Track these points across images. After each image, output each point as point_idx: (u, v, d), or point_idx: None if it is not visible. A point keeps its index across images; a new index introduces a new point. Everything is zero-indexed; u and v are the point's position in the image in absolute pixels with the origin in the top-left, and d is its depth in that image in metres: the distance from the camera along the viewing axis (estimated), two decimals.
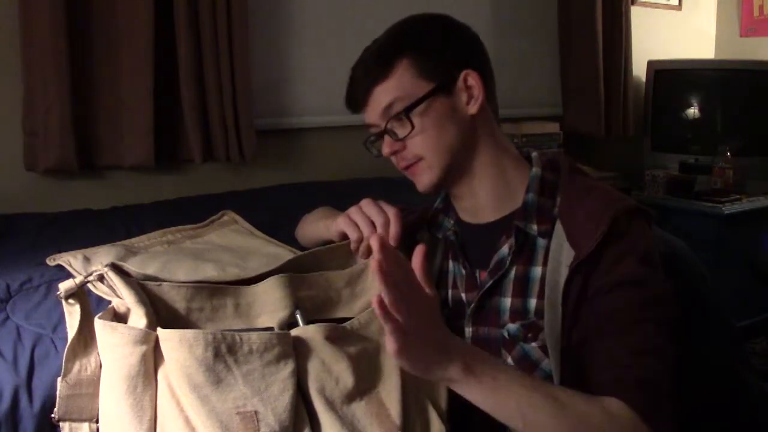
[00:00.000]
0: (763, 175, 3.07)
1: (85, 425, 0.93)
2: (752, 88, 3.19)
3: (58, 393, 0.92)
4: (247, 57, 2.13)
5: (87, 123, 1.96)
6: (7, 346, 0.99)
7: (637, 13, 3.26)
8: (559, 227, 1.08)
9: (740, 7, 3.62)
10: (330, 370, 0.96)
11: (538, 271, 1.08)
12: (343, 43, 2.51)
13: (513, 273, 1.10)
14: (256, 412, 0.89)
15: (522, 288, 1.09)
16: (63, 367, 0.93)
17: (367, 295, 1.10)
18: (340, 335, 1.00)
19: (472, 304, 1.12)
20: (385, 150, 1.13)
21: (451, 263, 1.19)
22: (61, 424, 0.92)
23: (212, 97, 2.09)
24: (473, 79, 1.10)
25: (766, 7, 3.53)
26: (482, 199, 1.14)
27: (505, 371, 0.90)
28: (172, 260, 1.19)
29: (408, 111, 1.08)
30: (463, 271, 1.16)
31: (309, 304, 1.05)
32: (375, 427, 0.95)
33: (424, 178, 1.12)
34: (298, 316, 1.02)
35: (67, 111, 1.87)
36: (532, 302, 1.08)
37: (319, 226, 1.28)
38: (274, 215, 1.64)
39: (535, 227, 1.08)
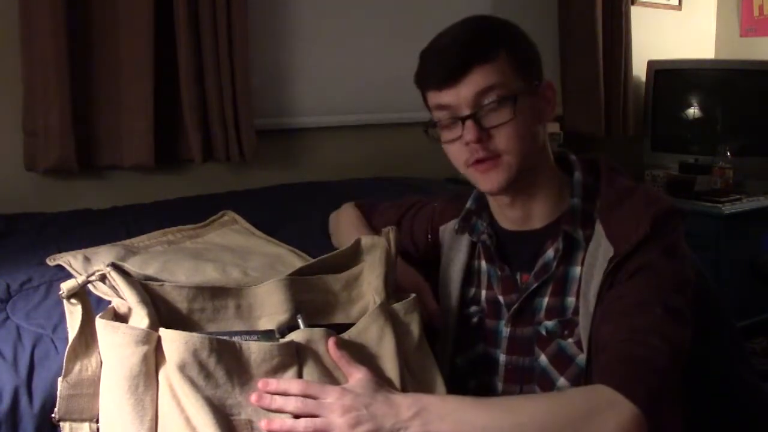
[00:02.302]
0: (763, 175, 3.07)
1: (86, 425, 0.92)
2: (752, 88, 3.19)
3: (58, 393, 0.92)
4: (247, 57, 2.13)
5: (87, 123, 1.96)
6: (7, 346, 0.99)
7: (637, 13, 3.25)
8: (598, 228, 1.09)
9: (740, 7, 3.62)
10: (332, 375, 0.97)
11: (577, 270, 1.10)
12: (343, 43, 2.51)
13: (554, 274, 1.11)
14: (250, 421, 0.89)
15: (561, 287, 1.11)
16: (64, 368, 0.92)
17: (363, 298, 1.10)
18: (340, 342, 1.00)
19: (514, 306, 1.13)
20: (471, 136, 1.05)
21: (484, 264, 1.20)
22: (61, 424, 0.92)
23: (212, 97, 2.10)
24: (551, 90, 1.13)
25: (766, 7, 3.53)
26: (535, 209, 1.14)
27: (453, 400, 0.94)
28: (172, 260, 1.19)
29: (514, 99, 1.05)
30: (499, 273, 1.16)
31: (309, 307, 1.05)
32: None
33: (498, 176, 1.08)
34: (299, 320, 1.02)
35: (67, 111, 1.87)
36: (570, 300, 1.10)
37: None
38: (274, 215, 1.65)
39: (581, 232, 1.10)
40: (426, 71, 1.09)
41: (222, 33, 2.08)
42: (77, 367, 0.93)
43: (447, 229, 1.27)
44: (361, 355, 1.00)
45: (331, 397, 0.91)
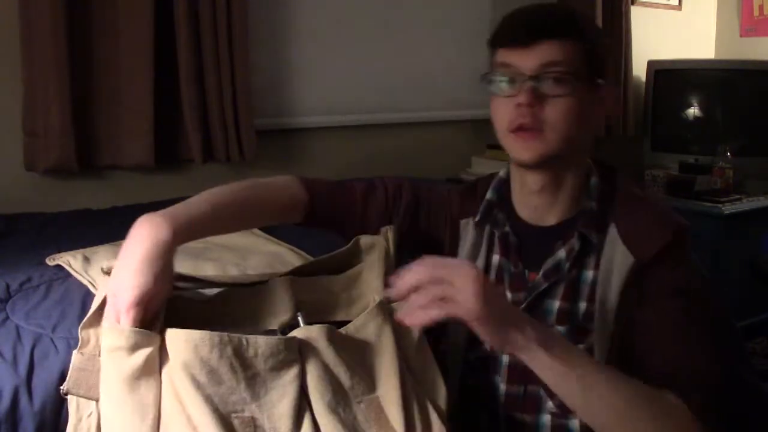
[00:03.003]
0: (763, 175, 3.07)
1: (93, 404, 0.91)
2: (752, 88, 3.19)
3: (71, 364, 0.91)
4: (247, 57, 2.13)
5: (87, 123, 1.96)
6: (7, 346, 1.00)
7: (637, 13, 3.26)
8: (612, 232, 1.10)
9: (740, 7, 3.62)
10: (331, 372, 0.96)
11: (589, 275, 1.10)
12: (343, 42, 2.51)
13: (566, 277, 1.11)
14: (253, 418, 0.89)
15: (573, 292, 1.11)
16: (79, 339, 0.92)
17: (364, 299, 1.10)
18: (338, 339, 1.00)
19: (522, 305, 1.12)
20: (524, 98, 1.05)
21: (497, 257, 1.18)
22: (69, 397, 0.91)
23: (212, 97, 2.10)
24: (609, 96, 1.13)
25: (766, 7, 3.53)
26: (557, 202, 1.14)
27: (569, 346, 0.96)
28: None
29: (577, 78, 1.06)
30: (513, 269, 1.15)
31: (309, 307, 1.05)
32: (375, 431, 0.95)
33: (537, 147, 1.07)
34: (300, 318, 1.02)
35: (67, 111, 1.87)
36: (582, 305, 1.10)
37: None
38: None
39: (595, 235, 1.10)
40: (504, 29, 1.10)
41: (222, 33, 2.08)
42: (93, 340, 0.92)
43: (469, 223, 1.22)
44: (359, 350, 1.00)
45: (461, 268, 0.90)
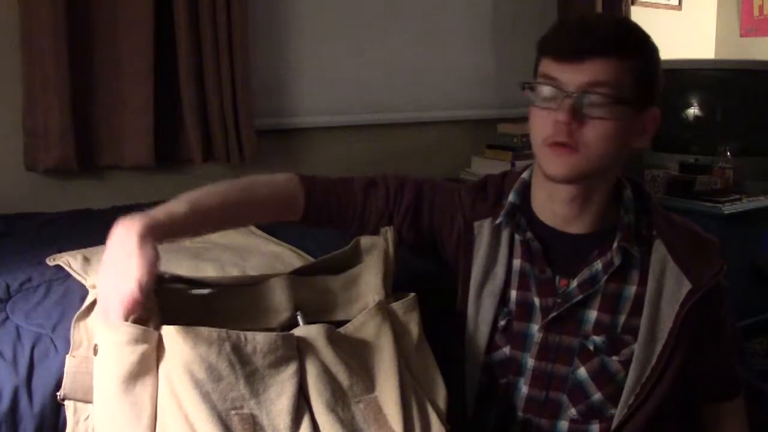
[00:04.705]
0: (763, 175, 3.07)
1: (90, 407, 0.92)
2: (752, 88, 3.19)
3: (65, 369, 0.92)
4: (247, 57, 2.13)
5: (87, 123, 1.96)
6: (7, 346, 1.00)
7: (637, 13, 3.26)
8: (660, 248, 1.10)
9: (740, 7, 3.62)
10: (330, 371, 0.96)
11: (632, 290, 1.11)
12: (344, 42, 2.51)
13: (603, 288, 1.11)
14: (252, 415, 0.89)
15: (612, 304, 1.11)
16: (71, 341, 0.92)
17: (363, 298, 1.10)
18: (337, 338, 1.00)
19: (552, 313, 1.11)
20: (564, 117, 1.02)
21: (518, 261, 1.16)
22: (66, 403, 0.92)
23: (212, 97, 2.10)
24: (653, 121, 1.10)
25: (766, 7, 3.53)
26: (587, 213, 1.12)
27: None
28: (171, 259, 1.19)
29: (620, 103, 1.03)
30: (539, 275, 1.14)
31: (309, 306, 1.06)
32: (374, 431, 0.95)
33: (569, 164, 1.05)
34: (299, 318, 1.02)
35: (67, 111, 1.87)
36: (622, 318, 1.10)
37: None
38: None
39: (636, 248, 1.10)
40: (553, 38, 1.07)
41: (222, 33, 2.08)
42: (84, 342, 0.92)
43: (484, 225, 1.19)
44: (358, 350, 1.00)
45: None
